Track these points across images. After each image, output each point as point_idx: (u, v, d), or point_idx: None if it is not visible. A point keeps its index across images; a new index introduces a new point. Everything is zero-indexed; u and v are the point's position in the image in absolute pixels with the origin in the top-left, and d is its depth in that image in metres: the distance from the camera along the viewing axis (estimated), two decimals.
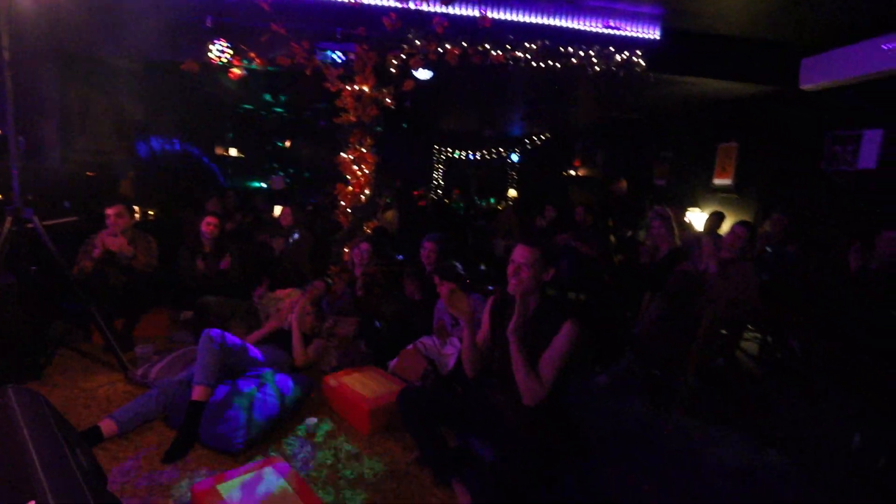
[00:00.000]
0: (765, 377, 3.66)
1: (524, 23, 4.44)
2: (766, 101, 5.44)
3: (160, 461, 2.21)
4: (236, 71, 4.27)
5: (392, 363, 3.12)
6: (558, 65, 4.39)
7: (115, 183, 5.38)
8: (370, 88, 4.26)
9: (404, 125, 9.71)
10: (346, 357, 3.31)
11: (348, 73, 4.24)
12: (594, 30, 4.53)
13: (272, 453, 2.35)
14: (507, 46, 4.26)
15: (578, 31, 4.52)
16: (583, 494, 1.98)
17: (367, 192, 4.50)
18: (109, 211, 3.47)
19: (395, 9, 4.05)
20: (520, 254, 1.95)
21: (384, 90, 4.32)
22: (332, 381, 2.85)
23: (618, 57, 4.40)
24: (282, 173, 10.39)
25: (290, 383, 2.73)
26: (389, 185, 7.40)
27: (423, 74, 4.45)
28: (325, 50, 4.13)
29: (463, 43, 4.17)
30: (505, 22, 4.40)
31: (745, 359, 3.91)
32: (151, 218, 5.57)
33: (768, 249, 4.18)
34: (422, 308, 3.50)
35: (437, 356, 3.00)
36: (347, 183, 4.46)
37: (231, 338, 2.66)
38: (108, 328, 3.06)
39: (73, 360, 3.25)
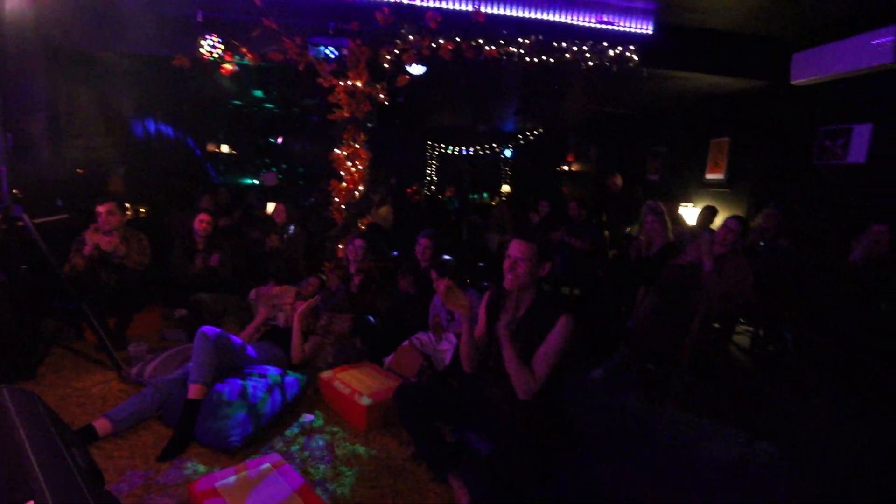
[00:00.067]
0: (757, 370, 3.71)
1: (518, 17, 4.43)
2: (757, 96, 5.47)
3: (156, 460, 2.20)
4: (228, 66, 4.23)
5: (388, 359, 3.13)
6: (552, 60, 4.38)
7: (105, 180, 5.32)
8: (363, 84, 4.24)
9: (397, 121, 9.68)
10: (342, 354, 3.31)
11: (341, 68, 4.22)
12: (587, 24, 4.53)
13: (269, 451, 2.34)
14: (501, 41, 4.25)
15: (572, 25, 4.51)
16: (577, 489, 2.00)
17: (360, 188, 4.48)
18: (101, 208, 3.44)
19: (388, 3, 4.03)
20: (516, 249, 1.95)
21: (377, 86, 4.30)
22: (328, 377, 2.84)
23: (611, 52, 4.40)
24: (274, 169, 10.33)
25: (287, 380, 2.73)
26: (384, 181, 7.38)
27: (417, 70, 4.44)
28: (318, 45, 4.09)
29: (456, 38, 4.16)
30: (498, 17, 4.39)
31: (736, 352, 3.95)
32: (143, 215, 5.52)
33: (762, 244, 4.21)
34: (417, 304, 3.51)
35: (433, 352, 3.00)
36: (341, 179, 4.44)
37: (226, 335, 2.65)
38: (100, 327, 3.04)
39: (65, 359, 3.22)
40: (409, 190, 9.66)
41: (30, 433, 1.19)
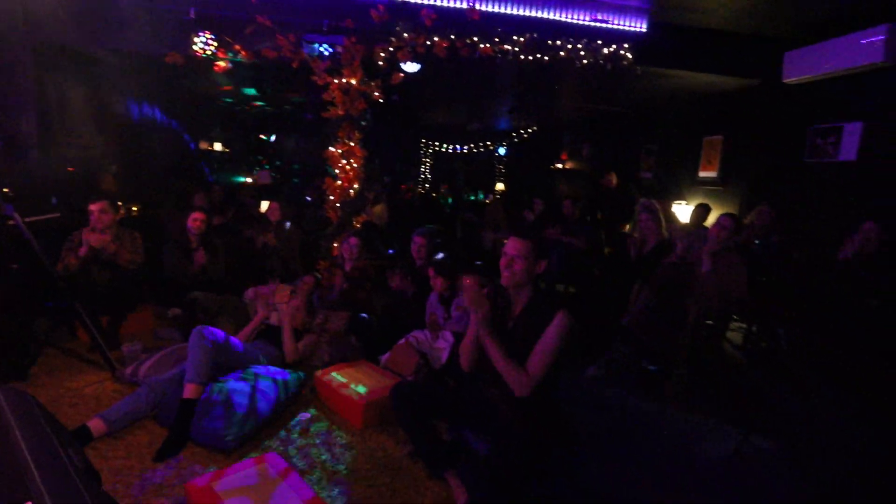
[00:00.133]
0: (750, 367, 3.74)
1: (512, 15, 4.44)
2: (750, 95, 5.51)
3: (152, 460, 2.19)
4: (221, 64, 4.20)
5: (384, 357, 3.12)
6: (546, 58, 4.39)
7: (97, 178, 5.27)
8: (358, 81, 4.23)
9: (392, 118, 9.65)
10: (338, 352, 3.31)
11: (336, 66, 4.20)
12: (582, 23, 4.54)
13: (266, 450, 2.34)
14: (496, 39, 4.25)
15: (566, 23, 4.52)
16: (573, 487, 2.01)
17: (355, 186, 4.47)
18: (93, 207, 3.40)
19: (383, 1, 4.01)
20: (512, 246, 1.95)
21: (372, 83, 4.29)
22: (324, 376, 2.84)
23: (605, 50, 4.41)
24: (267, 167, 10.27)
25: (282, 379, 2.72)
26: (378, 178, 7.37)
27: (411, 67, 4.43)
28: (312, 43, 4.07)
29: (451, 35, 4.15)
30: (493, 14, 4.39)
31: (730, 349, 3.98)
32: (135, 214, 5.47)
33: (756, 242, 4.25)
34: (412, 302, 3.51)
35: (430, 350, 3.00)
36: (336, 177, 4.43)
37: (222, 334, 2.64)
38: (94, 326, 3.01)
39: (58, 360, 3.20)
40: (403, 186, 9.65)
41: (25, 434, 1.18)
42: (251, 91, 7.43)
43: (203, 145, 8.88)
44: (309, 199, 7.21)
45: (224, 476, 1.90)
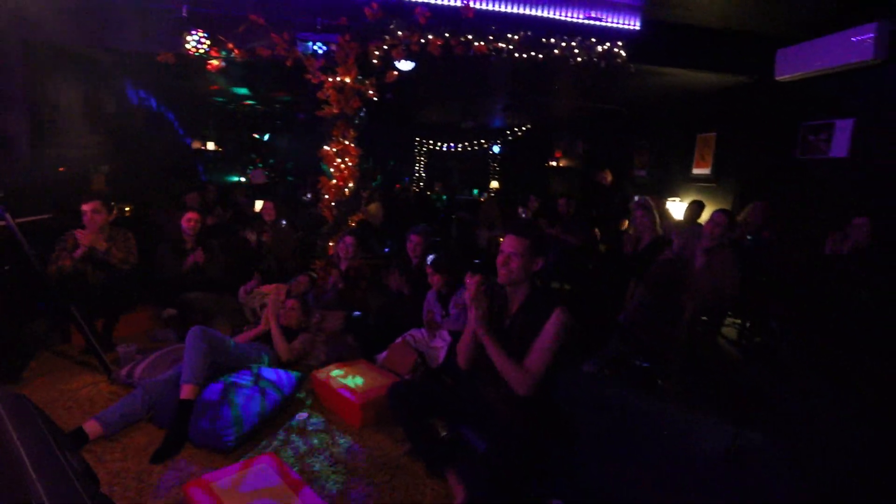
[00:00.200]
0: (746, 362, 3.77)
1: (507, 13, 4.44)
2: (742, 92, 5.54)
3: (149, 461, 2.18)
4: (214, 62, 4.17)
5: (381, 356, 3.12)
6: (540, 56, 4.39)
7: (89, 178, 5.22)
8: (352, 80, 4.21)
9: (386, 117, 9.64)
10: (334, 351, 3.30)
11: (330, 64, 4.18)
12: (576, 21, 4.55)
13: (264, 450, 2.33)
14: (490, 37, 4.25)
15: (560, 21, 4.53)
16: (572, 484, 2.02)
17: (350, 185, 4.46)
18: (86, 207, 3.36)
19: None
20: (509, 244, 1.95)
21: (366, 82, 4.27)
22: (321, 375, 2.83)
23: (599, 48, 4.42)
24: (261, 165, 10.22)
25: (280, 379, 2.71)
26: (372, 177, 7.36)
27: (406, 65, 4.42)
28: (306, 41, 4.05)
29: (445, 34, 4.15)
30: (487, 12, 4.38)
31: (725, 344, 4.01)
32: (128, 214, 5.42)
33: (748, 238, 4.28)
34: (409, 301, 3.51)
35: (427, 349, 3.01)
36: (331, 176, 4.41)
37: (218, 334, 2.63)
38: (88, 328, 2.99)
39: (52, 362, 3.16)
40: (398, 186, 9.64)
41: (22, 436, 1.16)
42: (242, 90, 7.38)
43: (196, 144, 8.82)
44: (308, 196, 7.18)
45: (223, 476, 1.89)
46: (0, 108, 4.25)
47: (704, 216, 5.47)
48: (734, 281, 3.34)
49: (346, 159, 4.39)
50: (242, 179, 9.61)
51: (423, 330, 3.16)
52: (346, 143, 4.36)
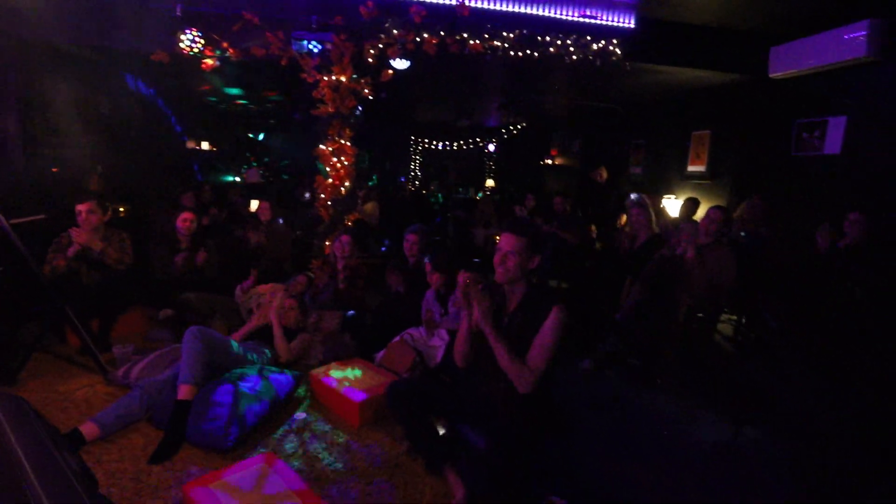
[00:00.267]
0: (742, 357, 3.79)
1: (502, 12, 4.43)
2: (737, 90, 5.57)
3: (147, 462, 2.16)
4: (209, 62, 4.15)
5: (379, 355, 3.12)
6: (536, 54, 4.40)
7: (83, 179, 5.19)
8: (347, 79, 4.20)
9: (381, 115, 9.63)
10: (332, 351, 3.30)
11: (325, 63, 4.17)
12: (571, 19, 4.55)
13: (262, 450, 2.33)
14: (485, 36, 4.25)
15: (555, 19, 4.54)
16: (570, 481, 2.03)
17: (346, 184, 4.45)
18: (81, 207, 3.34)
19: None
20: (506, 242, 1.95)
21: (362, 80, 4.27)
22: (319, 375, 2.83)
23: (594, 46, 4.44)
24: (256, 164, 10.19)
25: (278, 379, 2.71)
26: (366, 177, 7.35)
27: (401, 64, 4.41)
28: (301, 40, 4.04)
29: (441, 32, 4.14)
30: (483, 11, 4.38)
31: (721, 340, 4.04)
32: (123, 214, 5.39)
33: (742, 234, 4.30)
34: (406, 300, 3.51)
35: (425, 348, 3.01)
36: (327, 175, 4.41)
37: (215, 334, 2.63)
38: (83, 328, 2.97)
39: (47, 364, 3.14)
40: (403, 182, 9.64)
41: (20, 438, 1.16)
42: (234, 91, 7.35)
43: (191, 144, 8.78)
44: (307, 196, 7.17)
45: (221, 477, 1.89)
46: None
47: (700, 213, 5.50)
48: (731, 277, 3.35)
49: (342, 158, 4.38)
50: (238, 179, 9.57)
51: (421, 329, 3.16)
52: (342, 142, 4.35)
